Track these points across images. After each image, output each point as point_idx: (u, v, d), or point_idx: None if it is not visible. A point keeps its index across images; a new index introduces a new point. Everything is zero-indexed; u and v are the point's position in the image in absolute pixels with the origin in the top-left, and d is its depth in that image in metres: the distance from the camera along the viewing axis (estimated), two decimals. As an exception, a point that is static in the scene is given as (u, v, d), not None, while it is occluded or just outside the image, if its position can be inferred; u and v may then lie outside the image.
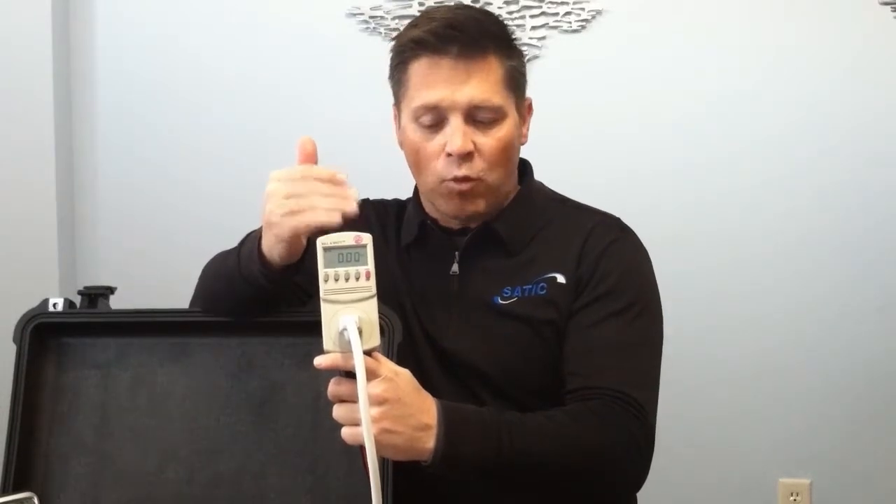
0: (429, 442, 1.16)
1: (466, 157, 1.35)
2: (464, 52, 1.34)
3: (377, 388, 1.12)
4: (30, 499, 1.28)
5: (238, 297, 1.32)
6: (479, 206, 1.40)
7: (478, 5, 2.61)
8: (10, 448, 1.35)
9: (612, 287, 1.38)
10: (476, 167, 1.36)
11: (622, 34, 2.60)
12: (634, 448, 1.29)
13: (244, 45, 2.77)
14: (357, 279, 1.12)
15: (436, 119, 1.36)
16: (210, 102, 2.79)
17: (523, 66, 1.43)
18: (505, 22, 1.47)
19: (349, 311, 1.11)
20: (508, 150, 1.39)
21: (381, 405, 1.12)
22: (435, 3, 2.63)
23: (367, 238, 1.14)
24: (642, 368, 1.37)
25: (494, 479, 1.24)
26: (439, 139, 1.37)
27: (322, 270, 1.12)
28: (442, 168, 1.37)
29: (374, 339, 1.13)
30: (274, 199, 1.21)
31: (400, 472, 1.25)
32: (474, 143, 1.36)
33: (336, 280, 1.12)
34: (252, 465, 1.36)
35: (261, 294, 1.29)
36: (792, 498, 2.54)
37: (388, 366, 1.15)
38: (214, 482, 1.36)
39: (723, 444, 2.58)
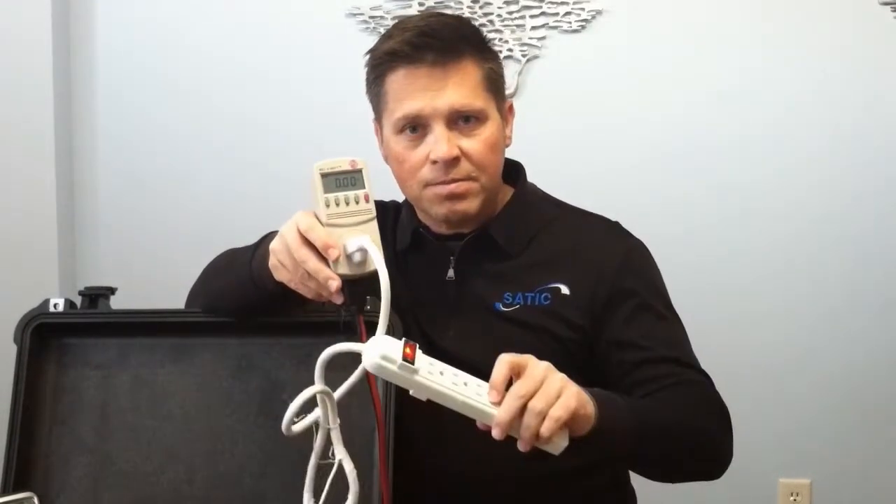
0: (590, 406, 1.12)
1: (453, 162, 1.34)
2: (440, 59, 1.33)
3: (536, 368, 1.09)
4: (30, 499, 1.28)
5: (246, 298, 1.32)
6: (473, 205, 1.37)
7: (478, 5, 2.61)
8: (11, 448, 1.35)
9: (640, 301, 1.40)
10: (464, 171, 1.35)
11: (622, 34, 2.60)
12: (727, 418, 1.43)
13: (244, 44, 2.77)
14: (357, 202, 1.16)
15: (418, 129, 1.35)
16: (210, 103, 2.78)
17: (501, 68, 1.42)
18: (479, 26, 1.47)
19: (355, 234, 1.14)
20: (495, 151, 1.38)
21: (559, 383, 1.08)
22: (435, 2, 2.63)
23: (361, 162, 1.17)
24: (692, 353, 1.45)
25: (629, 457, 1.25)
26: (423, 148, 1.35)
27: (322, 196, 1.15)
28: (428, 175, 1.36)
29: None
30: (279, 248, 1.20)
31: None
32: (460, 148, 1.34)
33: (337, 205, 1.15)
34: (252, 465, 1.36)
35: (272, 298, 1.28)
36: (792, 498, 2.54)
37: None
38: (214, 482, 1.36)
39: (723, 443, 2.57)
